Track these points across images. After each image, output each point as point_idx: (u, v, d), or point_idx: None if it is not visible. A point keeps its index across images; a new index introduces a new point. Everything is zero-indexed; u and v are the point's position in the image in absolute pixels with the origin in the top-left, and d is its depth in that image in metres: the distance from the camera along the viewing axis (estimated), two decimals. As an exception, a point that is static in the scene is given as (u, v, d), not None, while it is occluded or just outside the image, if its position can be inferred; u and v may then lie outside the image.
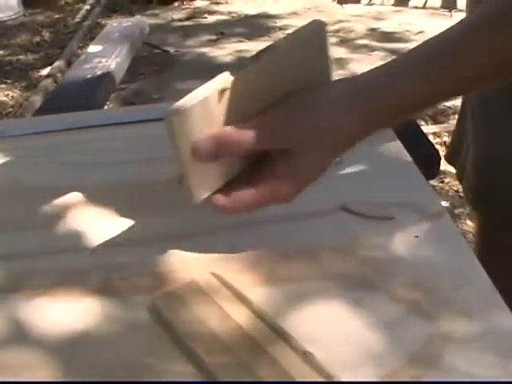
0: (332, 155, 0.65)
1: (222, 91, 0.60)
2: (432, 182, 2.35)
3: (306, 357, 0.52)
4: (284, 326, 0.56)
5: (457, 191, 2.30)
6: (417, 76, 0.62)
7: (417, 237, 0.68)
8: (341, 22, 4.35)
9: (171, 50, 4.02)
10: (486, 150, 1.06)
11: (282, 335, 0.55)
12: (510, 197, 1.13)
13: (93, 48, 1.48)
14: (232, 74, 0.61)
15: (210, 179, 0.63)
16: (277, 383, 0.50)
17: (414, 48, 0.65)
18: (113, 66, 1.38)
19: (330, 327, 0.58)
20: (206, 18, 4.79)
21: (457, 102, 1.06)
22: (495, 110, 1.04)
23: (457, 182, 2.20)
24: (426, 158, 0.93)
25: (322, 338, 0.56)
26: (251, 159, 0.65)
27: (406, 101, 0.63)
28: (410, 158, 0.83)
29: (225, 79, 0.61)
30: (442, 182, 2.37)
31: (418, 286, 0.62)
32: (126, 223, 0.73)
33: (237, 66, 0.63)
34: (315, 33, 0.67)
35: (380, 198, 0.75)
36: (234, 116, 0.62)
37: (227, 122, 0.62)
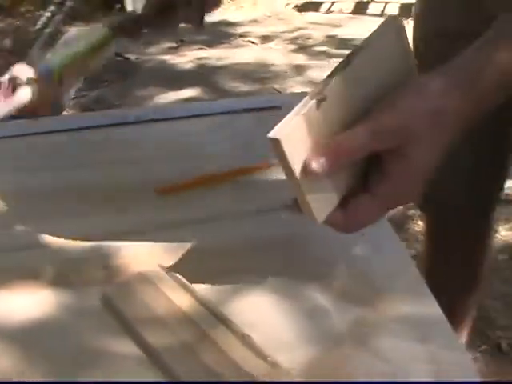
0: (442, 142, 0.61)
1: (320, 101, 0.57)
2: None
3: (245, 340, 0.57)
4: (225, 313, 0.61)
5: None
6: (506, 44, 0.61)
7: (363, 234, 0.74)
8: (300, 29, 4.43)
9: (132, 57, 4.05)
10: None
11: (222, 320, 0.60)
12: (449, 200, 1.20)
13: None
14: (326, 82, 0.58)
15: (327, 197, 0.60)
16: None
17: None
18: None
19: (267, 314, 0.63)
20: (167, 25, 4.82)
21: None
22: None
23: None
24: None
25: (259, 323, 0.61)
26: (360, 169, 0.62)
27: (501, 69, 0.60)
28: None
29: (320, 88, 0.58)
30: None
31: (351, 276, 0.67)
32: (78, 222, 0.77)
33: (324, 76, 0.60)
34: (395, 30, 0.65)
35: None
36: (335, 125, 0.59)
37: (330, 133, 0.59)
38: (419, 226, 2.15)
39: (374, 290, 0.65)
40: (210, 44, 4.06)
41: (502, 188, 1.25)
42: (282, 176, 0.83)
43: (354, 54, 0.61)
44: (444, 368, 0.56)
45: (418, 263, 1.70)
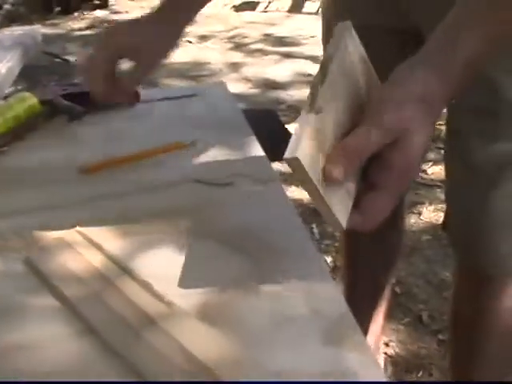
0: (431, 124, 0.66)
1: (317, 113, 0.60)
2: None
3: (146, 286, 0.66)
4: (131, 267, 0.70)
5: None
6: (476, 23, 0.66)
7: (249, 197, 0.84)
8: (236, 28, 4.53)
9: (71, 59, 4.09)
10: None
11: (128, 272, 0.68)
12: None
13: (-16, 55, 1.59)
14: (313, 95, 0.61)
15: (345, 203, 0.63)
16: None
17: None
18: (3, 70, 1.49)
19: (168, 266, 0.72)
20: (106, 27, 4.88)
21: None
22: None
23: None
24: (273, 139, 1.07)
25: (162, 274, 0.70)
26: (360, 170, 0.65)
27: (466, 55, 0.65)
28: (252, 136, 0.99)
29: (311, 102, 0.61)
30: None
31: (245, 234, 0.77)
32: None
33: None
34: (348, 34, 0.68)
35: (224, 170, 0.91)
36: (332, 132, 0.62)
37: (331, 140, 0.62)
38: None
39: (265, 245, 0.75)
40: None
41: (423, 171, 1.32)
42: (194, 155, 0.94)
43: (325, 67, 0.64)
44: (315, 298, 0.66)
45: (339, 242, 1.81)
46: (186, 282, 0.69)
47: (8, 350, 0.61)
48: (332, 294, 0.68)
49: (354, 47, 0.68)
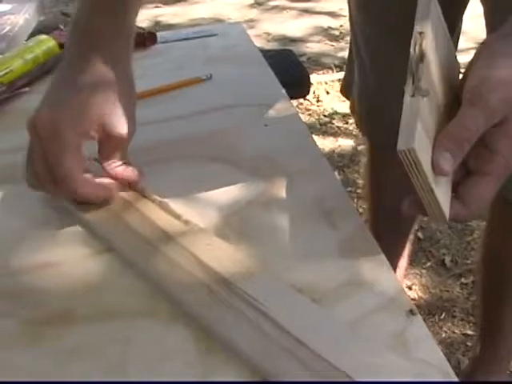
0: None
1: (425, 95, 0.55)
2: (337, 123, 2.52)
3: (162, 205, 0.67)
4: (149, 190, 0.71)
5: (360, 131, 2.47)
6: None
7: (266, 125, 0.85)
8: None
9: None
10: (367, 76, 1.20)
11: (144, 194, 0.70)
12: (388, 120, 1.26)
13: (2, 7, 1.60)
14: (418, 76, 0.56)
15: (447, 191, 0.58)
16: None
17: None
18: (21, 21, 1.49)
19: (185, 187, 0.73)
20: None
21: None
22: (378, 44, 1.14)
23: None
24: (295, 79, 1.08)
25: (179, 195, 0.71)
26: None
27: None
28: (269, 70, 1.00)
29: (417, 84, 0.56)
30: (347, 123, 2.55)
31: (261, 157, 0.77)
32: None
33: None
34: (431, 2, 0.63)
35: (241, 101, 0.91)
36: (435, 114, 0.58)
37: (434, 125, 0.57)
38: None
39: (279, 168, 0.76)
40: (165, 1, 4.11)
41: None
42: (210, 88, 0.95)
43: (420, 42, 0.58)
44: (331, 213, 0.68)
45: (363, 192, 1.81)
46: (202, 202, 0.70)
47: (32, 268, 0.63)
48: (347, 209, 0.69)
49: (438, 18, 0.63)
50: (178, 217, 0.66)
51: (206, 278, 0.58)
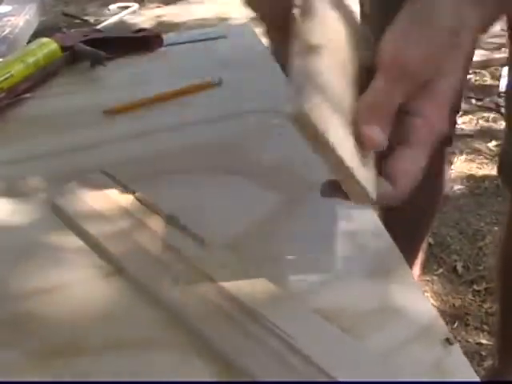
0: (462, 63, 0.53)
1: (314, 51, 0.47)
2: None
3: (174, 222, 0.63)
4: (158, 204, 0.66)
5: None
6: None
7: (280, 134, 0.80)
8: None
9: (91, 19, 4.04)
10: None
11: (155, 210, 0.65)
12: None
13: (2, 8, 1.55)
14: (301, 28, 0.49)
15: (370, 169, 0.50)
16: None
17: None
18: (21, 23, 1.45)
19: (197, 201, 0.68)
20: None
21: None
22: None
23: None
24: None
25: (189, 209, 0.66)
26: None
27: None
28: (281, 74, 0.95)
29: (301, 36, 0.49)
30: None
31: (276, 169, 0.73)
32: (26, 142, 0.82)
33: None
34: None
35: (253, 106, 0.87)
36: (340, 72, 0.50)
37: (346, 96, 0.49)
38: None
39: (300, 180, 0.71)
40: (167, 2, 4.07)
41: (456, 122, 1.26)
42: (220, 93, 0.90)
43: None
44: (358, 232, 0.63)
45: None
46: (216, 217, 0.66)
47: (36, 292, 0.59)
48: (376, 228, 0.64)
49: None
50: (191, 235, 0.61)
51: (225, 303, 0.53)
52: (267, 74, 0.97)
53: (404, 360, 0.51)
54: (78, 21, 4.02)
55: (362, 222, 0.64)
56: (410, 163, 0.51)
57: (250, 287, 0.54)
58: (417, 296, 0.56)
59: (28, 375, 0.51)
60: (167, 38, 1.12)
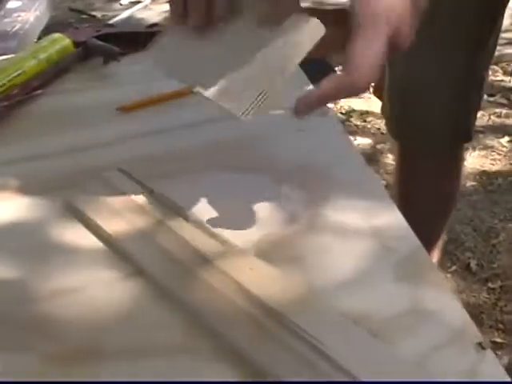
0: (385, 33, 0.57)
1: None
2: (354, 121, 2.46)
3: (197, 223, 0.61)
4: (180, 204, 0.64)
5: (378, 129, 2.40)
6: None
7: (300, 130, 0.78)
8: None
9: (98, 14, 4.02)
10: (399, 76, 1.15)
11: (176, 210, 0.63)
12: (421, 122, 1.21)
13: (12, 4, 1.54)
14: None
15: None
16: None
17: None
18: (31, 19, 1.43)
19: (221, 202, 0.66)
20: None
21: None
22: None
23: (379, 121, 2.31)
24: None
25: (213, 210, 0.65)
26: None
27: None
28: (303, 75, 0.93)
29: None
30: (365, 121, 2.48)
31: (300, 167, 0.71)
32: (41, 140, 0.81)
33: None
34: None
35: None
36: None
37: None
38: (389, 158, 2.19)
39: (321, 176, 0.69)
40: None
41: (476, 117, 1.24)
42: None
43: None
44: (384, 233, 0.61)
45: (389, 193, 1.74)
46: (239, 219, 0.64)
47: (54, 294, 0.57)
48: (401, 229, 0.62)
49: None
50: (214, 236, 0.59)
51: (252, 308, 0.51)
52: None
53: (436, 365, 0.49)
54: (85, 16, 4.00)
55: (388, 223, 0.63)
56: (365, 47, 0.56)
57: (275, 290, 0.53)
58: (448, 299, 0.54)
59: (46, 379, 0.49)
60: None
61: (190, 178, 0.71)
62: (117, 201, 0.65)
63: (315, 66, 1.06)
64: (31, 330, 0.53)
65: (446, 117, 1.17)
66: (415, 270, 0.57)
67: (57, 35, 1.02)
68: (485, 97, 2.66)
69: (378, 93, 1.27)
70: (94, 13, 4.01)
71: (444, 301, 0.54)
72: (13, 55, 0.99)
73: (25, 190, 0.71)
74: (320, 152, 0.73)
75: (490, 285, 1.74)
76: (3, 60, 0.96)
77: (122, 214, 0.63)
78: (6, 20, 1.44)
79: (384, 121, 1.32)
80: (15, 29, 1.35)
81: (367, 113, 2.47)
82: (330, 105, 0.82)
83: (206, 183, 0.70)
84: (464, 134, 1.24)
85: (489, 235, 1.91)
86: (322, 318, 0.50)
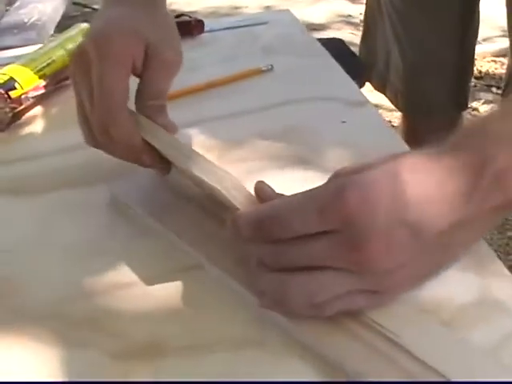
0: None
1: None
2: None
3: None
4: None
5: (390, 121, 2.39)
6: None
7: (343, 121, 0.77)
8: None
9: (97, 6, 4.00)
10: (410, 57, 1.24)
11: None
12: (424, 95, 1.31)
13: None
14: None
15: None
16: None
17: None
18: (48, 10, 1.42)
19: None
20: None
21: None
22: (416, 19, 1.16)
23: (390, 113, 2.30)
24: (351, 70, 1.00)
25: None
26: None
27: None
28: (333, 60, 0.92)
29: None
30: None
31: (347, 159, 0.70)
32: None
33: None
34: None
35: (310, 93, 0.84)
36: None
37: None
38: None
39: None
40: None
41: (469, 88, 1.38)
42: (268, 81, 0.87)
43: None
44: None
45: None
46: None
47: (110, 289, 0.55)
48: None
49: None
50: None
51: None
52: (317, 60, 0.94)
53: (508, 357, 0.47)
54: (88, 9, 3.98)
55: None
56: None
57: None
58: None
59: (109, 376, 0.48)
60: (206, 24, 1.09)
61: (239, 168, 0.69)
62: (164, 193, 0.64)
63: (332, 46, 1.06)
64: (90, 326, 0.52)
65: (447, 89, 1.31)
66: (479, 261, 0.56)
67: (84, 25, 1.01)
68: (494, 90, 2.65)
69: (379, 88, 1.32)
70: (97, 6, 3.98)
71: (510, 290, 0.53)
72: (40, 45, 0.97)
73: (67, 181, 0.70)
74: (365, 144, 0.72)
75: (507, 277, 1.74)
76: (31, 51, 0.95)
77: (171, 205, 0.62)
78: (22, 11, 1.42)
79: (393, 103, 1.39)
80: (32, 19, 1.34)
81: (376, 106, 2.46)
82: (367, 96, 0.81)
83: (250, 173, 0.68)
84: (462, 103, 1.37)
85: (504, 228, 1.91)
86: (397, 311, 0.49)
